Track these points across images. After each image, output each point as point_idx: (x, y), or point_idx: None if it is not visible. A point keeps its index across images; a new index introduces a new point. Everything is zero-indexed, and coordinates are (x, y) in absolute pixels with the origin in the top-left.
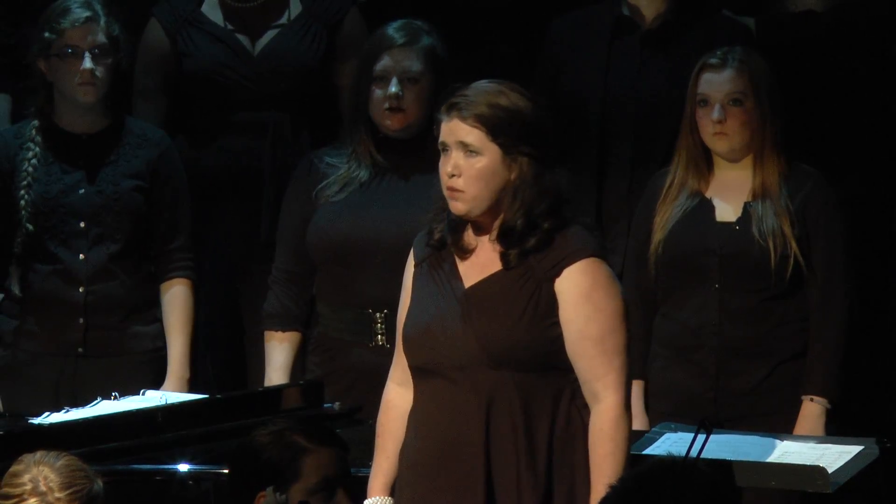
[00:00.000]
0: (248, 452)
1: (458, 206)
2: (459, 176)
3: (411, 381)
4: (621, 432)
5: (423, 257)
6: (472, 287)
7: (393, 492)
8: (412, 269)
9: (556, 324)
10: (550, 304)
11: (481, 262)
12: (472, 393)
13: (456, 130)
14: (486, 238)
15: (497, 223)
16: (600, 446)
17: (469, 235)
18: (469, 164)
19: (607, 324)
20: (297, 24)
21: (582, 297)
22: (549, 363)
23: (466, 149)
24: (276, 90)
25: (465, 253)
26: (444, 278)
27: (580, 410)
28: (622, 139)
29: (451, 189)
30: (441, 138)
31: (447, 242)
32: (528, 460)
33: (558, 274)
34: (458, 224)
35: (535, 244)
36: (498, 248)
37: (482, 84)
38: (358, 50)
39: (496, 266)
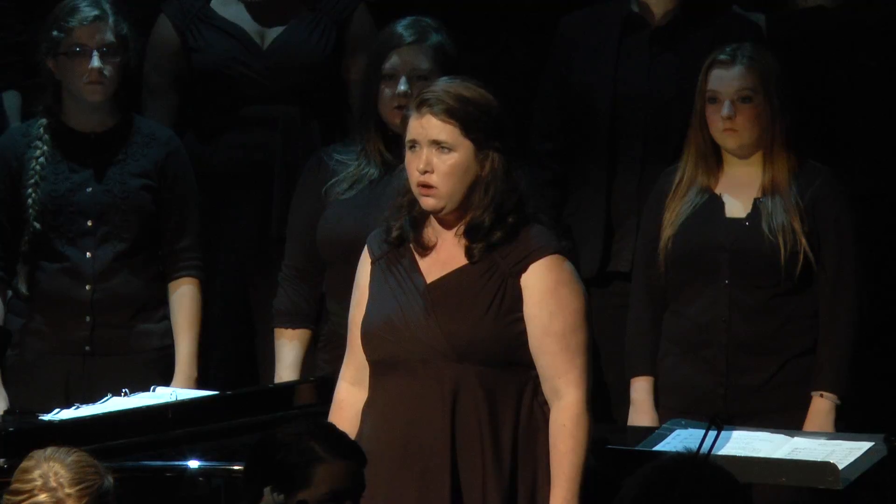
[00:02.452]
0: (265, 448)
1: (430, 202)
2: (432, 172)
3: (364, 380)
4: (582, 429)
5: (380, 254)
6: (436, 281)
7: None
8: (368, 267)
9: (521, 319)
10: (515, 300)
11: (443, 257)
12: (437, 386)
13: (428, 127)
14: (449, 233)
15: (465, 219)
16: (561, 443)
17: (430, 232)
18: (442, 160)
19: (570, 321)
20: (306, 19)
21: (547, 292)
22: (512, 358)
23: (439, 146)
24: (285, 85)
25: (426, 249)
26: (405, 274)
27: (541, 406)
28: (632, 136)
29: (424, 185)
30: (410, 136)
31: (407, 239)
32: (494, 453)
33: (524, 269)
34: (418, 220)
35: (500, 238)
36: (463, 242)
37: (448, 81)
38: (366, 46)
39: (460, 261)
